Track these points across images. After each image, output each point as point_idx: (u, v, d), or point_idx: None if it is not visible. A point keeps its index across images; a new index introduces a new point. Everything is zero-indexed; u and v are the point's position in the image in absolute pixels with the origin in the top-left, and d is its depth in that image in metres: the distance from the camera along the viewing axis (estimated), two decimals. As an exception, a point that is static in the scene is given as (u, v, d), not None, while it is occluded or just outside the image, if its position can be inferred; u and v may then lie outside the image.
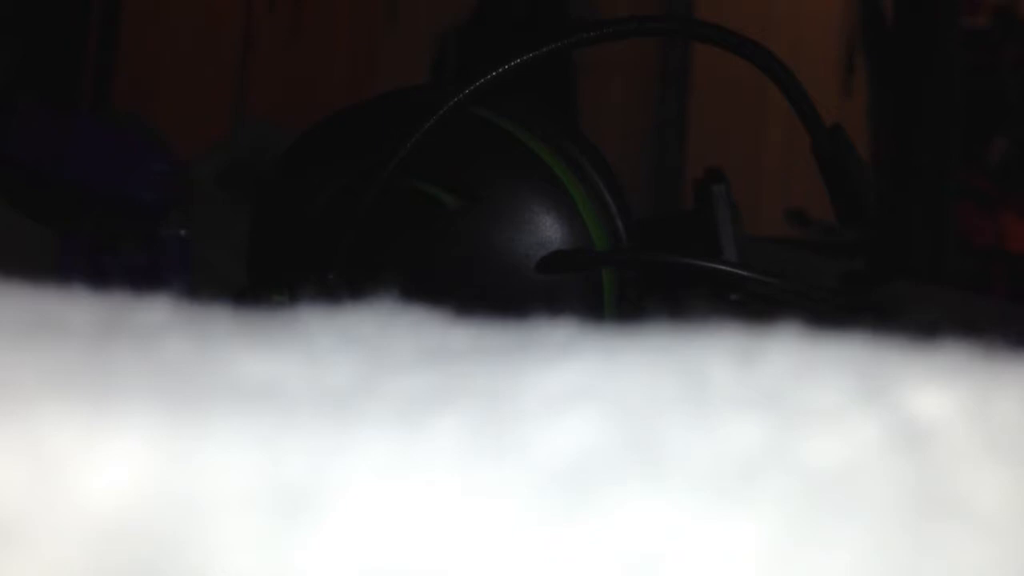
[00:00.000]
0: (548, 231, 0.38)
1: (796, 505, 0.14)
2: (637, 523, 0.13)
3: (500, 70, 0.37)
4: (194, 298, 0.19)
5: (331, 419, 0.14)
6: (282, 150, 0.44)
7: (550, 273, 0.38)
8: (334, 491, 0.13)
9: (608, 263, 0.39)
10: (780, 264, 0.39)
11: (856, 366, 0.16)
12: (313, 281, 0.37)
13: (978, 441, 0.15)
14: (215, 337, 0.16)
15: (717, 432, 0.14)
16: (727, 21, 0.40)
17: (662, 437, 0.14)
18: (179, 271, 0.57)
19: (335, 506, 0.13)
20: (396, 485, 0.13)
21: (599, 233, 0.39)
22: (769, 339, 0.16)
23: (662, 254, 0.39)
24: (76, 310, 0.18)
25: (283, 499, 0.13)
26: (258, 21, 0.84)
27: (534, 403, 0.15)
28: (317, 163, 0.42)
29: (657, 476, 0.14)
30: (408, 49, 0.84)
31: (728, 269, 0.37)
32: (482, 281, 0.38)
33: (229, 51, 0.84)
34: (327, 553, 0.13)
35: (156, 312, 0.18)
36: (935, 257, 0.66)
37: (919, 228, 0.68)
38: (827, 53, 0.81)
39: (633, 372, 0.16)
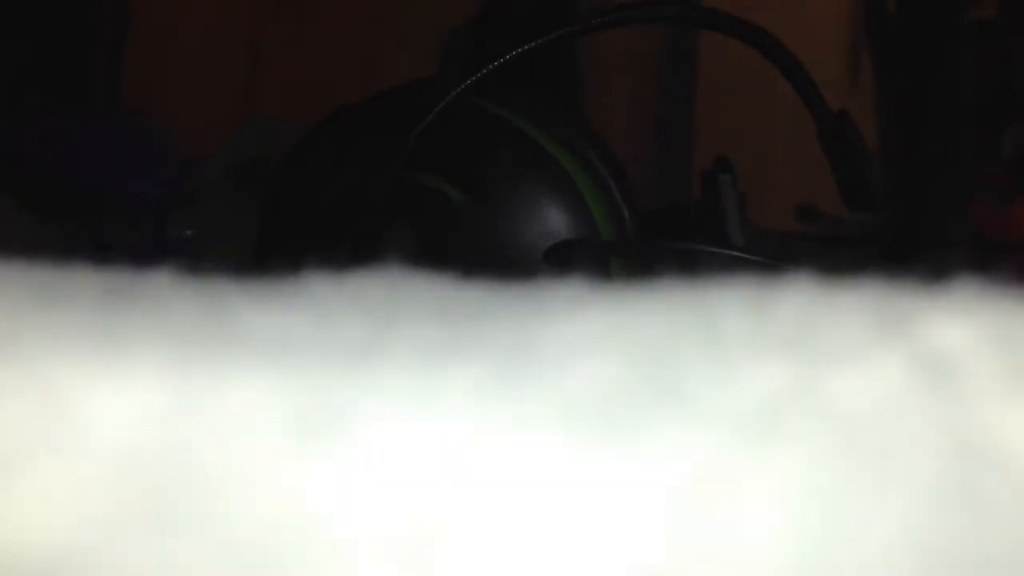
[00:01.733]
0: (555, 222, 0.38)
1: (822, 442, 0.14)
2: (661, 454, 0.13)
3: (505, 57, 0.37)
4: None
5: (349, 362, 0.14)
6: (289, 145, 0.44)
7: (558, 263, 0.38)
8: (353, 423, 0.13)
9: (616, 252, 0.39)
10: (788, 252, 0.39)
11: (873, 305, 0.16)
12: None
13: (1004, 373, 0.14)
14: (223, 299, 0.16)
15: (737, 371, 0.14)
16: (732, 8, 0.40)
17: (681, 376, 0.14)
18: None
19: (355, 436, 0.13)
20: (416, 419, 0.13)
21: (605, 223, 0.39)
22: (783, 287, 0.16)
23: (669, 241, 0.39)
24: (82, 282, 0.18)
25: (302, 426, 0.13)
26: (266, 20, 0.84)
27: (552, 349, 0.15)
28: (323, 159, 0.42)
29: (679, 410, 0.14)
30: (416, 48, 0.84)
31: (735, 254, 0.37)
32: (489, 272, 0.38)
33: (237, 50, 0.84)
34: (343, 474, 0.13)
35: (162, 280, 0.18)
36: (947, 250, 0.66)
37: (930, 221, 0.68)
38: (833, 41, 0.81)
39: (649, 319, 0.16)
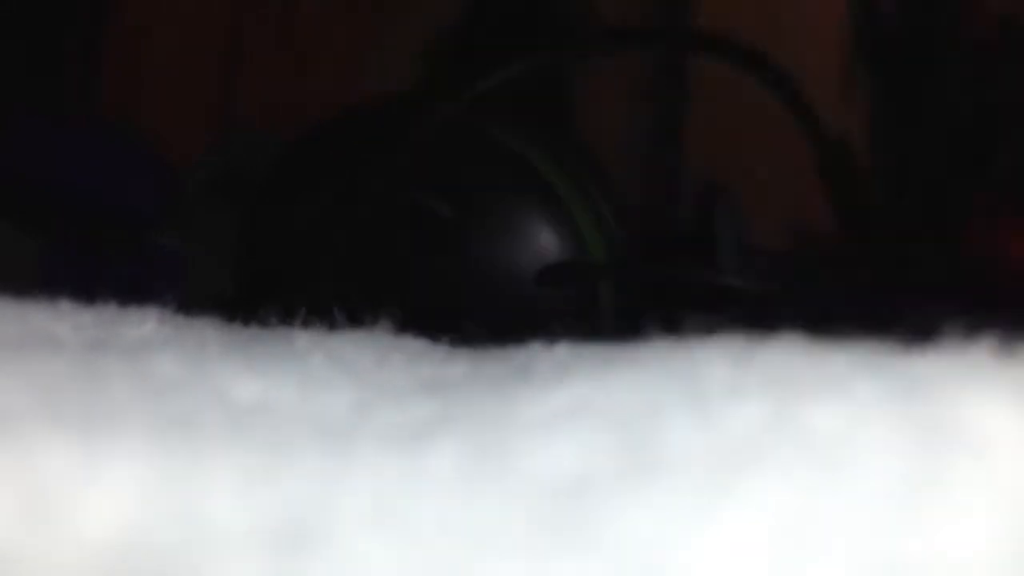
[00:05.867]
0: (546, 243, 0.38)
1: (797, 469, 0.14)
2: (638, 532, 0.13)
3: (497, 77, 0.37)
4: (184, 308, 0.19)
5: (330, 446, 0.14)
6: (273, 158, 0.44)
7: (548, 285, 0.38)
8: (330, 534, 0.13)
9: (607, 276, 0.39)
10: (782, 277, 0.39)
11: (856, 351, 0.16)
12: (305, 293, 0.37)
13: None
14: (208, 357, 0.16)
15: (715, 417, 0.14)
16: (727, 31, 0.40)
17: (658, 432, 0.14)
18: (168, 280, 0.57)
19: (330, 538, 0.13)
20: (394, 518, 0.13)
21: (597, 245, 0.39)
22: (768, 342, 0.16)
23: (661, 267, 0.39)
24: (68, 323, 0.18)
25: (278, 532, 0.13)
26: (246, 27, 0.84)
27: (530, 421, 0.15)
28: (310, 172, 0.42)
29: (653, 474, 0.14)
30: (398, 55, 0.84)
31: (728, 282, 0.37)
32: (479, 293, 0.38)
33: (217, 58, 0.84)
34: None
35: (147, 326, 0.18)
36: (938, 269, 0.67)
37: (923, 240, 0.68)
38: (828, 64, 0.81)
39: (630, 383, 0.15)
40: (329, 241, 0.38)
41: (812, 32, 0.81)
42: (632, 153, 0.85)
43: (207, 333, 0.17)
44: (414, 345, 0.18)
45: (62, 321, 0.18)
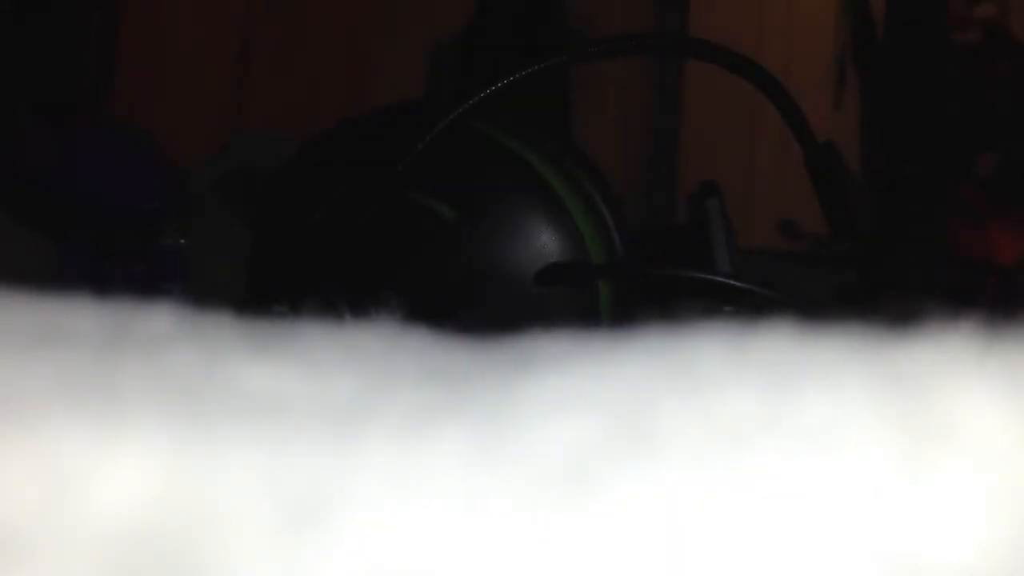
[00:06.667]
0: (546, 244, 0.38)
1: (787, 454, 0.14)
2: (638, 507, 0.14)
3: (501, 84, 0.37)
4: (194, 307, 0.19)
5: (338, 431, 0.15)
6: (281, 159, 0.44)
7: (548, 285, 0.38)
8: (340, 511, 0.14)
9: (606, 275, 0.39)
10: (774, 276, 0.39)
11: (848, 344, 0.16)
12: (313, 292, 0.38)
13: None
14: (221, 349, 0.17)
15: (710, 406, 0.15)
16: (720, 36, 0.40)
17: (655, 420, 0.15)
18: (177, 280, 0.58)
19: (342, 516, 0.14)
20: (402, 501, 0.14)
21: (596, 246, 0.40)
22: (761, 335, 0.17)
23: (658, 266, 0.39)
24: (83, 319, 0.18)
25: (290, 511, 0.14)
26: (256, 30, 0.84)
27: (534, 407, 0.15)
28: (318, 174, 0.42)
29: (652, 460, 0.14)
30: (405, 58, 0.85)
31: (723, 281, 0.38)
32: (480, 293, 0.38)
33: (227, 60, 0.84)
34: (335, 563, 0.13)
35: (162, 320, 0.18)
36: (926, 269, 0.67)
37: (911, 241, 0.68)
38: (819, 67, 0.82)
39: (628, 371, 0.16)
40: (335, 241, 0.39)
41: (804, 37, 0.82)
42: (630, 154, 0.86)
43: (220, 327, 0.18)
44: (419, 336, 0.18)
45: (81, 316, 0.18)
